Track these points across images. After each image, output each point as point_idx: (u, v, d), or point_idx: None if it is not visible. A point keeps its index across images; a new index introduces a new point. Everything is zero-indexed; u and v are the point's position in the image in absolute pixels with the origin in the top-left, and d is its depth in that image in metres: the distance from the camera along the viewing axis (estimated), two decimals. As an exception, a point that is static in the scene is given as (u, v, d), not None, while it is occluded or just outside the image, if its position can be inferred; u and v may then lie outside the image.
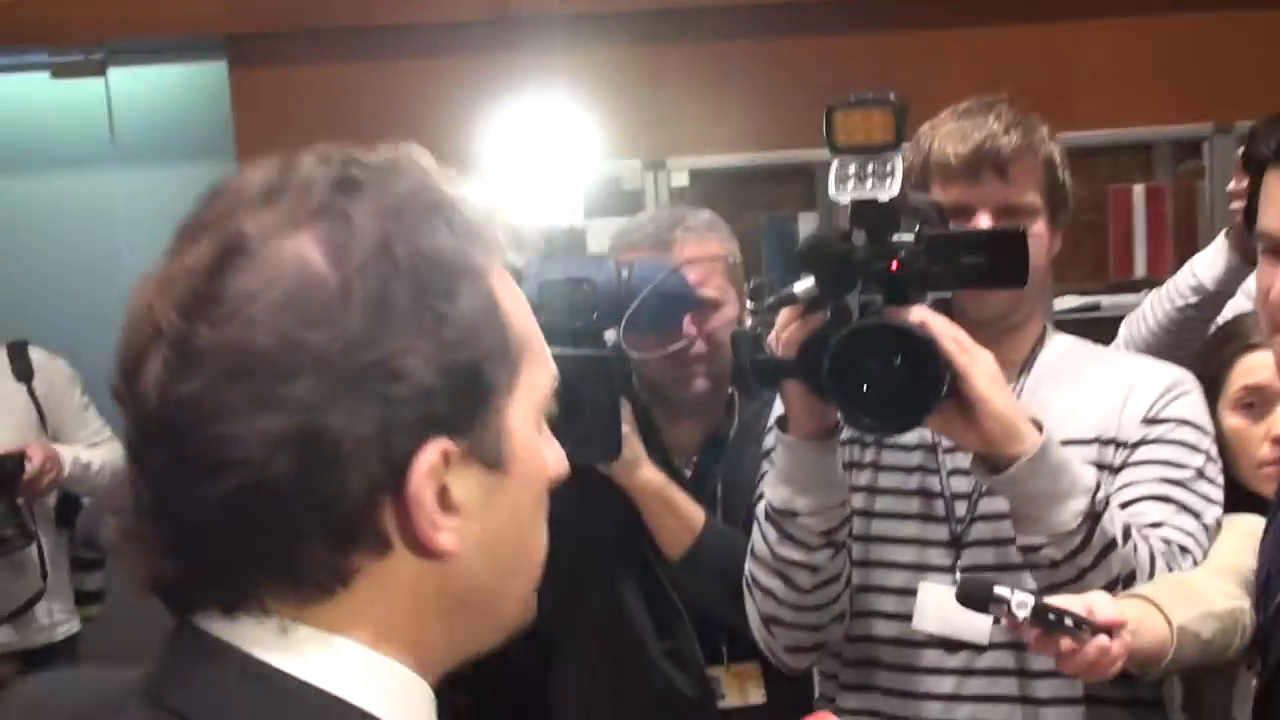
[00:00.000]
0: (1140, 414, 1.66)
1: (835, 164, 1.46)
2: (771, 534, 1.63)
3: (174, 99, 4.41)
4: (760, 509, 1.66)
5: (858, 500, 1.72)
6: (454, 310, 0.72)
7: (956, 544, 1.67)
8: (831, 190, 1.45)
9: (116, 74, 4.03)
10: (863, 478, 1.73)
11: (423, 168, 0.75)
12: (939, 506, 1.69)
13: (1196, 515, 1.61)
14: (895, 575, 1.69)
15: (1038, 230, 1.67)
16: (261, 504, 0.69)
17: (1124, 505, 1.60)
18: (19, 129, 4.44)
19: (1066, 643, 1.31)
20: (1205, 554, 1.59)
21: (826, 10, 3.58)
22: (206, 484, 0.68)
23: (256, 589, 0.72)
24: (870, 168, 1.44)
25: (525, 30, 3.48)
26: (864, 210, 1.48)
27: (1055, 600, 1.34)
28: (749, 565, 1.69)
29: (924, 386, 1.45)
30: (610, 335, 1.88)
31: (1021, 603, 1.28)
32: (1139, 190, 3.58)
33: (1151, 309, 2.22)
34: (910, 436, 1.70)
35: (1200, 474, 1.64)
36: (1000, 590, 1.30)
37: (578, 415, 1.73)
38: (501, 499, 0.76)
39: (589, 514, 1.89)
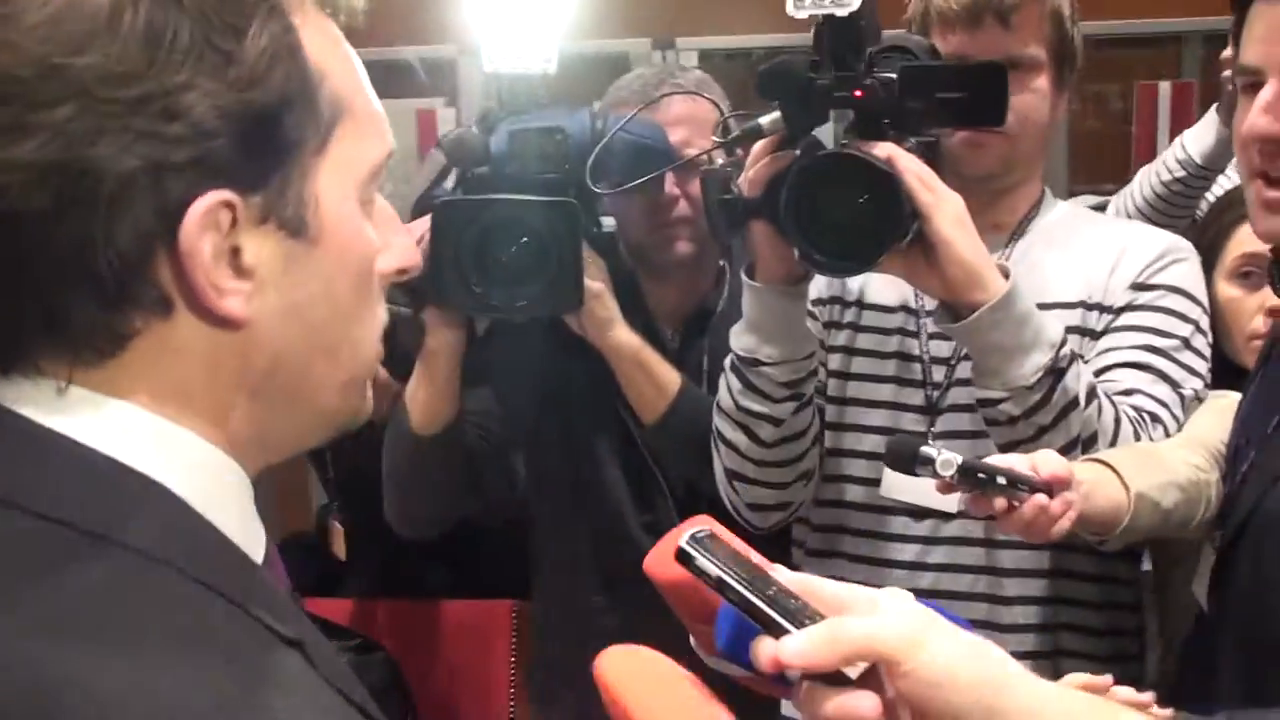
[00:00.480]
0: (1129, 279, 1.59)
1: None
2: (735, 384, 1.58)
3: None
4: (727, 360, 1.60)
5: (834, 361, 1.67)
6: (242, 50, 0.68)
7: (932, 409, 1.62)
8: (789, 6, 1.38)
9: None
10: (840, 337, 1.68)
11: None
12: (916, 370, 1.64)
13: (1175, 385, 1.54)
14: (868, 439, 1.64)
15: (1039, 85, 1.61)
16: (20, 245, 0.66)
17: (1101, 370, 1.54)
18: None
19: (1000, 501, 1.25)
20: (1180, 426, 1.53)
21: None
22: None
23: (29, 347, 0.69)
24: None
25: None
26: (825, 31, 1.40)
27: (993, 459, 1.29)
28: (715, 419, 1.64)
29: (884, 224, 1.38)
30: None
31: (947, 461, 1.22)
32: (1165, 87, 3.46)
33: (1140, 185, 2.17)
34: (891, 297, 1.64)
35: (1186, 344, 1.57)
36: (926, 450, 1.24)
37: (544, 265, 1.68)
38: (307, 271, 0.72)
39: (564, 374, 1.85)
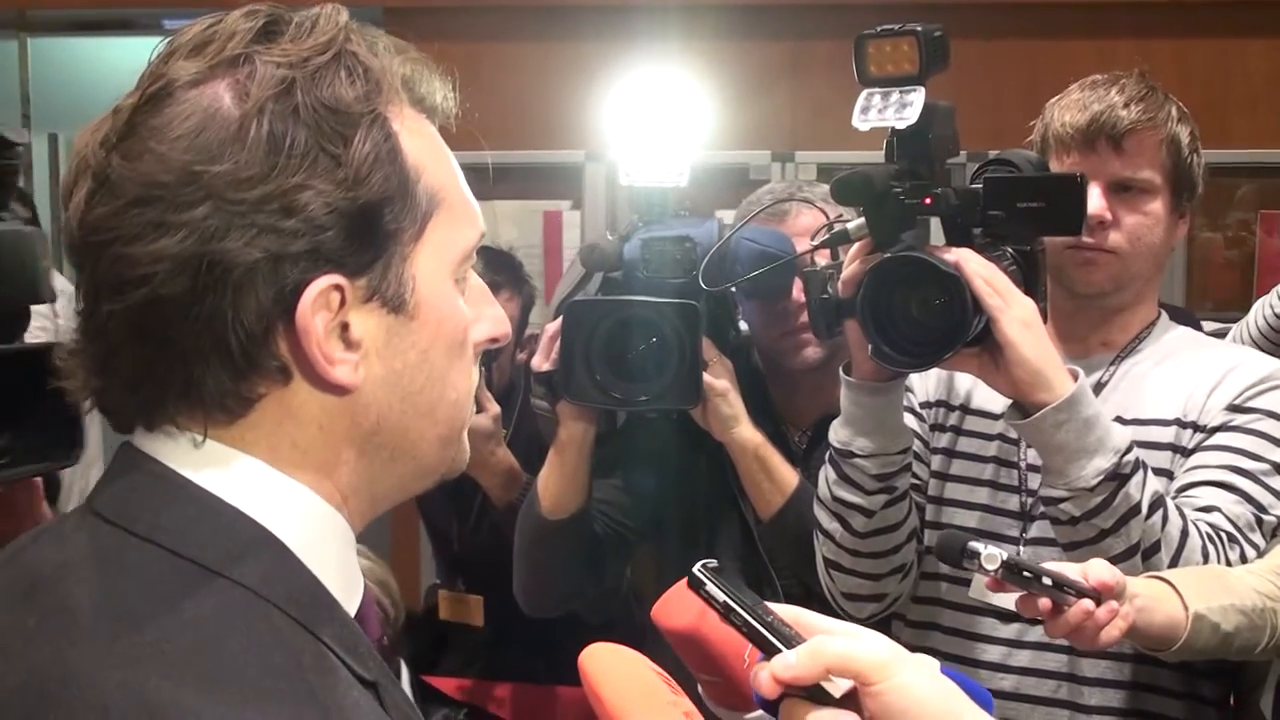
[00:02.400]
0: (1227, 400, 1.62)
1: (861, 95, 1.48)
2: (831, 475, 1.64)
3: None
4: (827, 453, 1.66)
5: (935, 462, 1.72)
6: (349, 155, 0.78)
7: (1025, 515, 1.67)
8: (855, 119, 1.47)
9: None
10: (943, 440, 1.73)
11: (338, 23, 0.81)
12: (1013, 476, 1.69)
13: (1259, 508, 1.56)
14: None
15: (1153, 208, 1.66)
16: (162, 322, 0.77)
17: (1185, 487, 1.57)
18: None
19: (1044, 602, 1.29)
20: (1261, 551, 1.54)
21: (976, 12, 3.54)
22: (113, 301, 0.77)
23: (170, 408, 0.80)
24: (893, 98, 1.45)
25: (674, 16, 3.53)
26: (894, 142, 1.49)
27: (1052, 566, 1.32)
28: (815, 509, 1.69)
29: (950, 324, 1.45)
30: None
31: (991, 556, 1.26)
32: (1290, 214, 3.46)
33: (1256, 315, 2.17)
34: (996, 404, 1.70)
35: (1276, 469, 1.58)
36: (973, 545, 1.28)
37: (667, 363, 1.76)
38: (406, 342, 0.82)
39: (689, 469, 1.93)
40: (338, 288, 0.79)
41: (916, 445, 1.69)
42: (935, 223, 1.58)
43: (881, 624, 1.76)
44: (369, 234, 0.80)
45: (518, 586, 1.94)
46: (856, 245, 1.55)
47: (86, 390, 0.82)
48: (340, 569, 0.84)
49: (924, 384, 1.71)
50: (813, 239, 1.76)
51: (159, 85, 0.78)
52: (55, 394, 0.84)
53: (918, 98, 1.46)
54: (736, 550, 1.92)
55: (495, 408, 2.10)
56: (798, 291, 1.90)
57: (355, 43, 0.82)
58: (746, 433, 1.82)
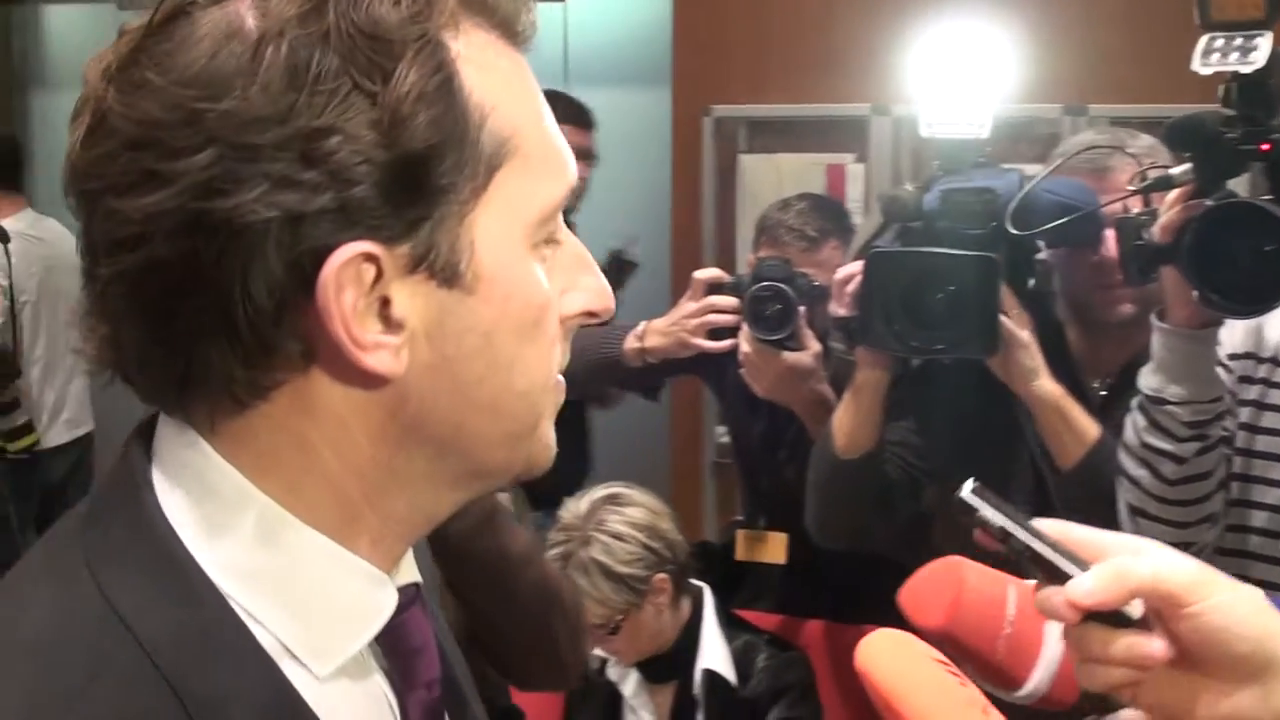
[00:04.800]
0: None
1: (1203, 40, 1.48)
2: (1141, 422, 1.67)
3: (623, 27, 4.75)
4: (1135, 399, 1.69)
5: (1244, 414, 1.72)
6: (388, 91, 0.63)
7: None
8: (1195, 63, 1.47)
9: (575, 2, 4.41)
10: (1252, 392, 1.73)
11: None
12: None
13: None
14: (1272, 493, 1.69)
15: None
16: (160, 292, 0.64)
17: None
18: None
19: None
20: None
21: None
22: (109, 264, 0.64)
23: (170, 395, 0.67)
24: (1237, 42, 1.46)
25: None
26: (1233, 88, 1.49)
27: None
28: (1121, 456, 1.72)
29: None
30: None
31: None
32: None
33: None
34: None
35: None
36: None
37: (964, 313, 1.82)
38: (462, 321, 0.67)
39: (983, 417, 1.97)
40: (370, 257, 0.64)
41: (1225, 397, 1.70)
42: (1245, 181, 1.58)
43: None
44: (413, 191, 0.64)
45: (809, 518, 2.04)
46: (1176, 192, 1.57)
47: (103, 361, 0.68)
48: (299, 586, 0.68)
49: (1231, 336, 1.71)
50: (1135, 184, 1.77)
51: (178, 4, 0.65)
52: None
53: (1265, 42, 1.46)
54: (1028, 498, 1.96)
55: (816, 345, 2.17)
56: (1113, 245, 1.91)
57: None
58: (1047, 385, 1.85)
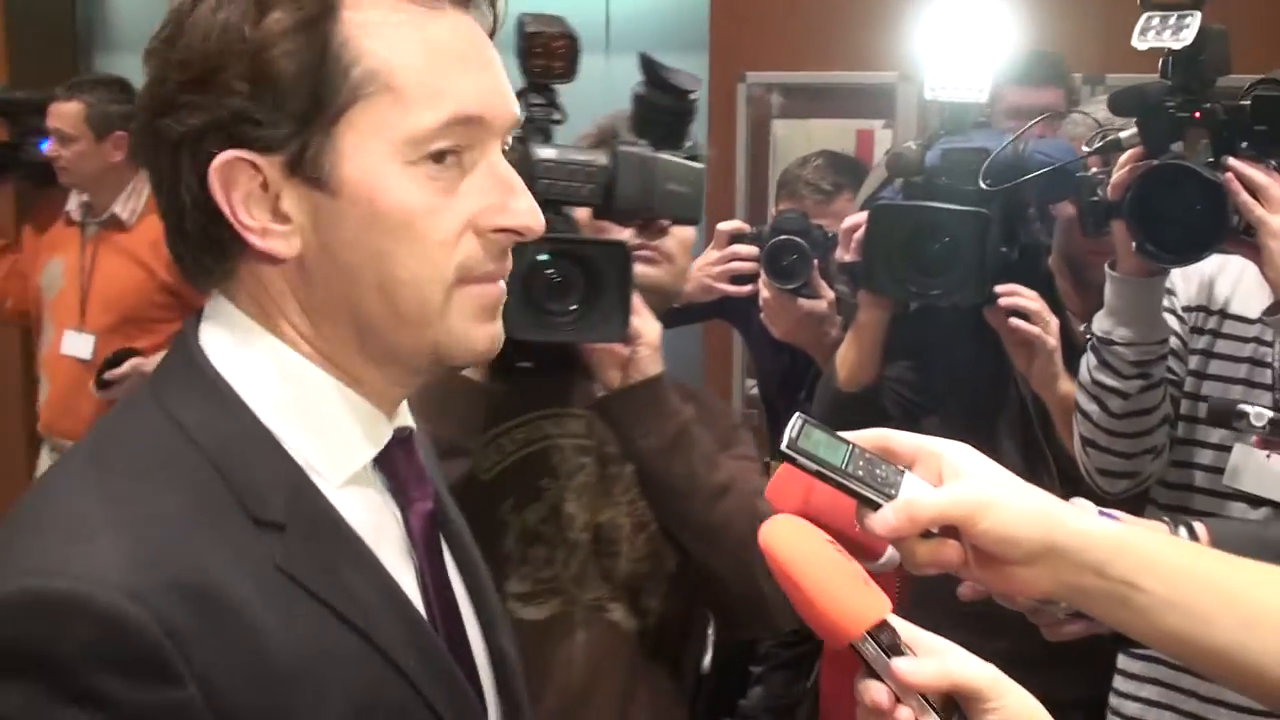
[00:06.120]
0: None
1: (1141, 18, 1.66)
2: (1092, 360, 1.84)
3: (662, -2, 4.90)
4: (1088, 341, 1.87)
5: (1193, 361, 1.89)
6: (260, 27, 0.83)
7: (1277, 408, 1.81)
8: (1135, 39, 1.65)
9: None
10: (1201, 342, 1.90)
11: None
12: (1266, 375, 1.84)
13: None
14: (1215, 433, 1.86)
15: None
16: (159, 195, 0.89)
17: None
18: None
19: None
20: None
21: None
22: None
23: (197, 271, 0.91)
24: (1171, 20, 1.63)
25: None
26: (1169, 61, 1.66)
27: None
28: (1075, 391, 1.90)
29: (1209, 227, 1.63)
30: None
31: (1259, 414, 1.42)
32: None
33: None
34: (1253, 310, 1.85)
35: None
36: (1243, 405, 1.46)
37: (957, 262, 1.99)
38: (334, 217, 0.86)
39: (974, 357, 2.13)
40: (248, 161, 0.84)
41: (1175, 343, 1.87)
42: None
43: (1133, 506, 1.94)
44: (275, 111, 0.83)
45: None
46: (1127, 153, 1.74)
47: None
48: (313, 413, 0.89)
49: (1186, 289, 1.88)
50: (1085, 146, 1.94)
51: None
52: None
53: (1194, 21, 1.63)
54: (1014, 427, 2.13)
55: (830, 293, 2.35)
56: None
57: None
58: (1065, 387, 1.99)
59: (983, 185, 1.94)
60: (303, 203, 0.85)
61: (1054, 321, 1.99)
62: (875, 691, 0.84)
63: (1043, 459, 2.12)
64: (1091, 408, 1.87)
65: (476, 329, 0.91)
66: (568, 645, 1.61)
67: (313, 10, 0.83)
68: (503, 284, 0.92)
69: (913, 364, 2.20)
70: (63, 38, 5.47)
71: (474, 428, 1.58)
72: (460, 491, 1.51)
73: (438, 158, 0.86)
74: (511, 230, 0.90)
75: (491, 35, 0.93)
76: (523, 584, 1.62)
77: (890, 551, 0.98)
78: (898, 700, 0.84)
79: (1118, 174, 1.75)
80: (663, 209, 1.57)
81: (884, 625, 0.85)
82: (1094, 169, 1.93)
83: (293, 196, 0.85)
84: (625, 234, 1.64)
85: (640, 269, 1.64)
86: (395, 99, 0.84)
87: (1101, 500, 1.78)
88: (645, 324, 1.58)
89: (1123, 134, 1.76)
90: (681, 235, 1.73)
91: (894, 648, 0.85)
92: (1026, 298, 1.98)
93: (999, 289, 1.98)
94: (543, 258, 1.50)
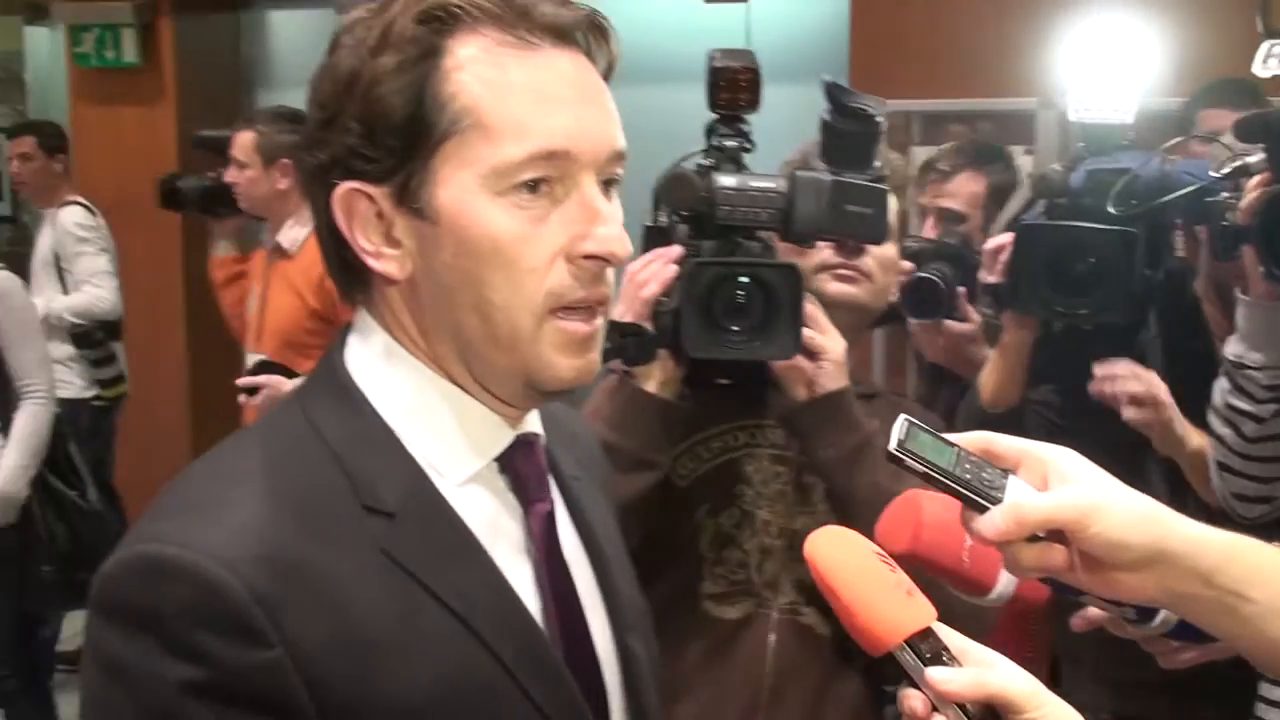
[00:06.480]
0: None
1: (1264, 45, 1.67)
2: (1225, 385, 1.83)
3: (802, 26, 4.96)
4: (1222, 365, 1.85)
5: None
6: (372, 73, 0.92)
7: None
8: (1257, 66, 1.63)
9: (757, 3, 4.65)
10: None
11: None
12: None
13: None
14: None
15: None
16: (315, 222, 1.00)
17: None
18: (670, 48, 5.19)
19: None
20: None
21: None
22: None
23: (343, 291, 1.02)
24: None
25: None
26: None
27: None
28: (1209, 415, 1.88)
29: None
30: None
31: None
32: None
33: None
34: None
35: None
36: None
37: (1104, 282, 1.99)
38: (434, 244, 0.94)
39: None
40: (361, 192, 0.93)
41: None
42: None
43: (1272, 532, 1.92)
44: (384, 144, 0.91)
45: None
46: (1256, 178, 1.73)
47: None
48: (436, 417, 0.97)
49: None
50: (1217, 172, 1.94)
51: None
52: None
53: None
54: (1160, 460, 2.11)
55: (977, 316, 2.38)
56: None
57: None
58: (1195, 442, 1.97)
59: (1113, 210, 1.94)
60: (410, 229, 0.94)
61: (1161, 391, 1.95)
62: (912, 699, 0.85)
63: (1189, 487, 2.10)
64: (1225, 432, 1.86)
65: (563, 361, 0.96)
66: (760, 645, 1.68)
67: (416, 52, 0.91)
68: (599, 322, 0.98)
69: (1057, 386, 2.21)
70: (227, 76, 5.74)
71: (661, 442, 1.65)
72: (656, 498, 1.64)
73: (530, 188, 0.92)
74: (597, 256, 0.94)
75: (607, 75, 0.98)
76: (716, 585, 1.70)
77: (1000, 587, 0.99)
78: (934, 709, 0.84)
79: (1247, 199, 1.74)
80: (843, 229, 1.63)
81: (927, 634, 0.85)
82: (1224, 194, 1.93)
83: (402, 224, 0.94)
84: (826, 254, 1.71)
85: (839, 287, 1.72)
86: (484, 134, 0.91)
87: (1239, 528, 1.80)
88: (830, 341, 1.64)
89: (1251, 160, 1.76)
90: (880, 254, 1.77)
91: (935, 657, 0.84)
92: (1124, 377, 1.96)
93: (1097, 370, 1.97)
94: (724, 279, 1.58)
